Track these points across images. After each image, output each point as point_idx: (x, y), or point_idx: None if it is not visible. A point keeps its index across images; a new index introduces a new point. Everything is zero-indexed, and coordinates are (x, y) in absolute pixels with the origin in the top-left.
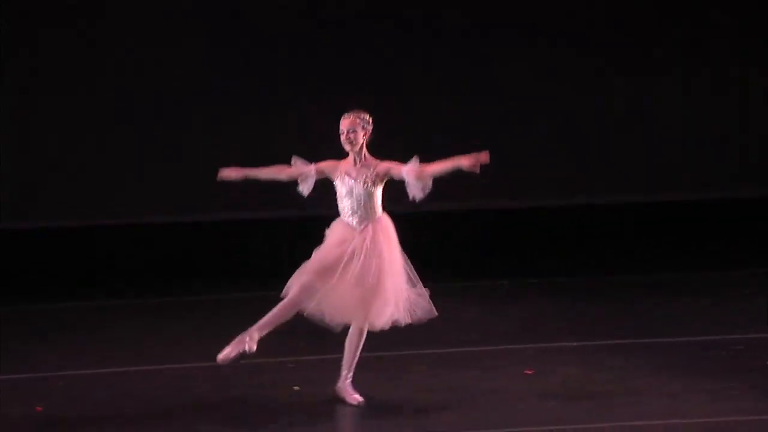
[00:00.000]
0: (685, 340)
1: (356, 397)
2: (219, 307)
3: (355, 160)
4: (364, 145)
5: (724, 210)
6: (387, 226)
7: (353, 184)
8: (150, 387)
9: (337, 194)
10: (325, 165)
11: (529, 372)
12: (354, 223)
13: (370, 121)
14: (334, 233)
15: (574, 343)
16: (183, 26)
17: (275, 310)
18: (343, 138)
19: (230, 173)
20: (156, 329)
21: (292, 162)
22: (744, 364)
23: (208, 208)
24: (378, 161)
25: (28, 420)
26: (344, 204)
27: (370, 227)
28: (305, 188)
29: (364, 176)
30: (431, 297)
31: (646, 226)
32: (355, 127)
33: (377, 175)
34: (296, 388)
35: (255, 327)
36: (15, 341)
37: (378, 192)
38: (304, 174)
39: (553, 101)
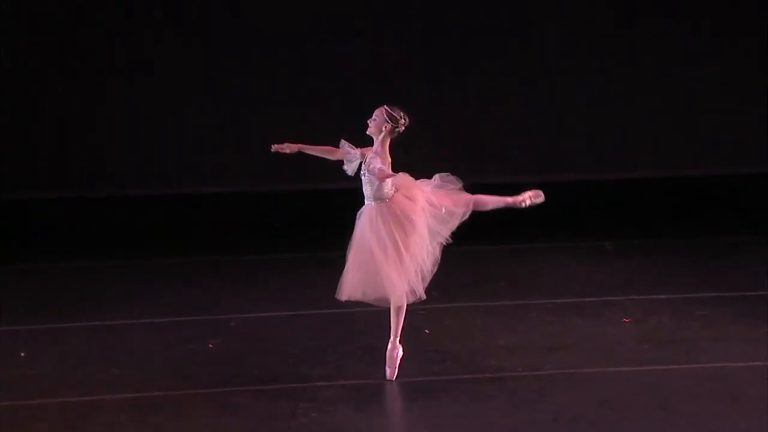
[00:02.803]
0: None
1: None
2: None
3: (374, 146)
4: (383, 137)
5: None
6: (398, 205)
7: (363, 168)
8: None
9: None
10: (365, 149)
11: (627, 320)
12: (372, 204)
13: (398, 119)
14: (357, 226)
15: (667, 296)
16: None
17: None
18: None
19: (284, 147)
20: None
21: (340, 144)
22: None
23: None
24: (381, 156)
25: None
26: (363, 187)
27: (377, 206)
28: (350, 169)
29: (369, 164)
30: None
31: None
32: (377, 116)
33: (382, 170)
34: (427, 331)
35: (392, 339)
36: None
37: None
38: (349, 156)
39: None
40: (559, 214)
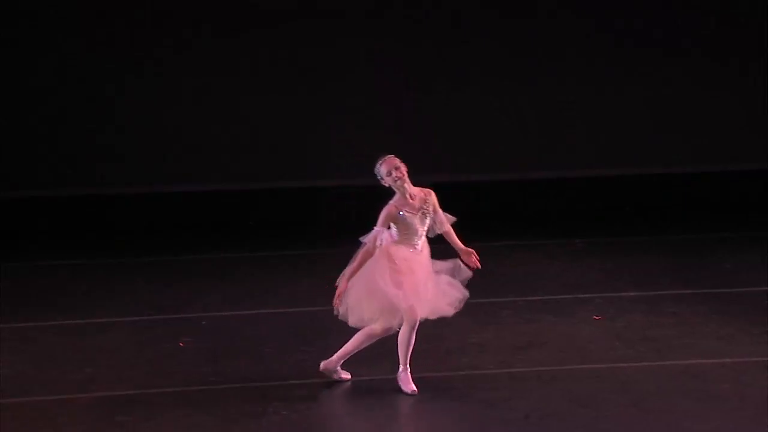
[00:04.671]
0: (744, 290)
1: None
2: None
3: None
4: (393, 186)
5: None
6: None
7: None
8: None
9: None
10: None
11: (598, 318)
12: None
13: (381, 170)
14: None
15: (638, 293)
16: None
17: (403, 342)
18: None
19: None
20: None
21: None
22: None
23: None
24: (388, 206)
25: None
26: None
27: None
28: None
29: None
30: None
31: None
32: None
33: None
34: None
35: (402, 364)
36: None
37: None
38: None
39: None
40: (531, 212)
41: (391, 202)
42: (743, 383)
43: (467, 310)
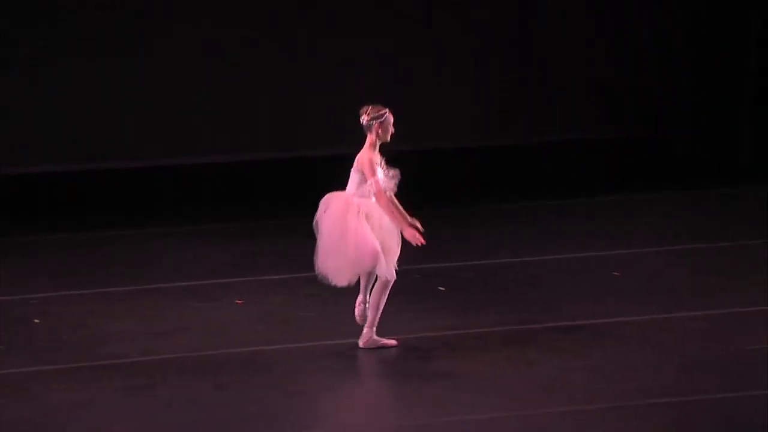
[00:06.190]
0: None
1: (391, 341)
2: None
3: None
4: (377, 135)
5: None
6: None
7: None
8: None
9: None
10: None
11: (240, 302)
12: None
13: (387, 117)
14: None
15: (278, 276)
16: None
17: (375, 302)
18: None
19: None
20: None
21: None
22: (425, 287)
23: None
24: (365, 155)
25: None
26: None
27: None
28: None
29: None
30: None
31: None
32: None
33: (359, 162)
34: (36, 321)
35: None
36: None
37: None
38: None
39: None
40: (175, 198)
41: (363, 151)
42: (380, 361)
43: (108, 297)
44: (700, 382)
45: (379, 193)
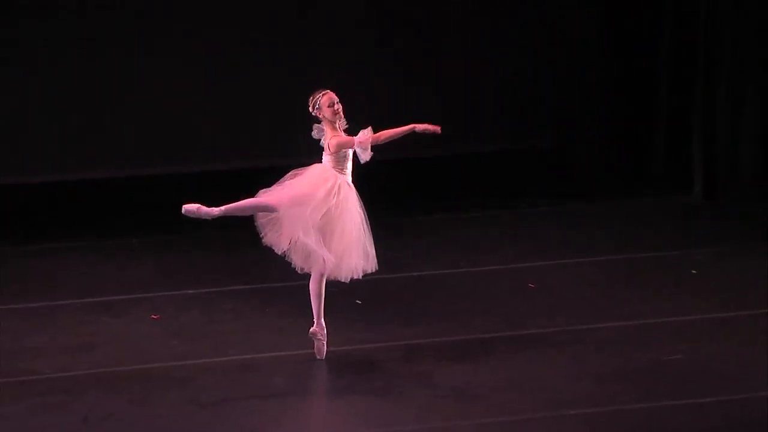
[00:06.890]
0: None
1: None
2: None
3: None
4: (325, 119)
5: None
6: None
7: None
8: None
9: None
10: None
11: (156, 317)
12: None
13: (321, 100)
14: (312, 171)
15: (196, 290)
16: None
17: (240, 202)
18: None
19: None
20: None
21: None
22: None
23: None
24: (334, 135)
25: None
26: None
27: (342, 182)
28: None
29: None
30: None
31: None
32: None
33: (329, 146)
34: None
35: (222, 208)
36: None
37: (339, 159)
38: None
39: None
40: (86, 214)
41: (328, 137)
42: (297, 375)
43: (21, 313)
44: (616, 393)
45: (373, 137)
